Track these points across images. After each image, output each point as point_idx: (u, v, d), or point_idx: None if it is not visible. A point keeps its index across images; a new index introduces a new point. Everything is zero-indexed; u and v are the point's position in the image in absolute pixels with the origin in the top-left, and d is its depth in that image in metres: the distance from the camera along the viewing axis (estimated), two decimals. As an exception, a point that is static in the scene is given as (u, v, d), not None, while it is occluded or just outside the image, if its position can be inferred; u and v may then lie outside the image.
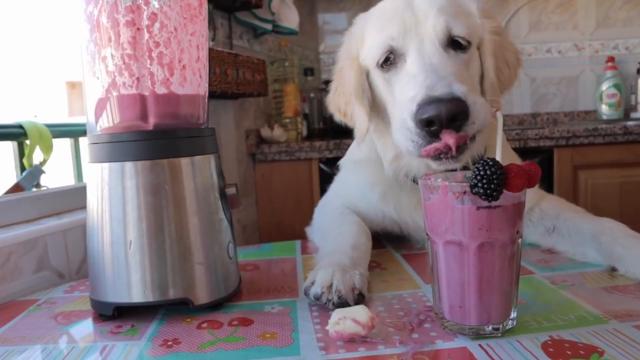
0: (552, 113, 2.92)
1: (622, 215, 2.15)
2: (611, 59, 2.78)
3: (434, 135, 0.77)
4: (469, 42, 0.89)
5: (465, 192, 0.61)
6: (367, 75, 0.97)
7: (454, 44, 0.88)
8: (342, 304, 0.74)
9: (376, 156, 1.04)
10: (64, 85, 2.60)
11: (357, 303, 0.75)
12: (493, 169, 0.58)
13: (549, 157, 2.13)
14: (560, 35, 2.92)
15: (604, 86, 2.76)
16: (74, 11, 0.80)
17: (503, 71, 0.94)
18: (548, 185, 2.14)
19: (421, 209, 0.96)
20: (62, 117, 2.11)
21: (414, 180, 0.98)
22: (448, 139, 0.74)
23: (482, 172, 0.58)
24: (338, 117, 1.06)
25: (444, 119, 0.75)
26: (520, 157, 1.01)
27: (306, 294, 0.79)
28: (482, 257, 0.62)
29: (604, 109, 2.77)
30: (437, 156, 0.80)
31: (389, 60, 0.90)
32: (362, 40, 0.97)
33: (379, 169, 1.03)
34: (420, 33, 0.87)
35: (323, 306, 0.77)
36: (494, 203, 0.61)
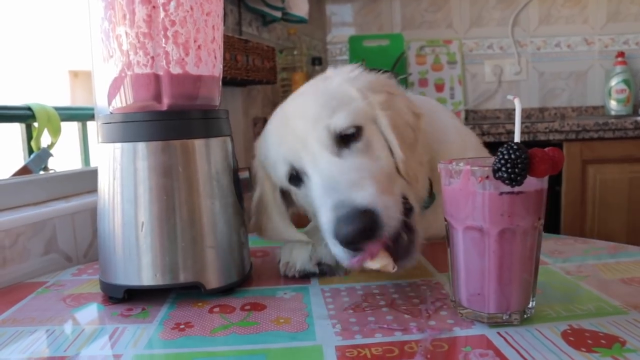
0: (559, 108, 2.91)
1: (630, 211, 2.14)
2: (621, 54, 2.76)
3: (358, 250, 0.73)
4: (358, 127, 0.83)
5: (487, 177, 0.60)
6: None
7: (344, 138, 0.82)
8: (303, 275, 0.86)
9: None
10: (66, 74, 2.58)
11: (322, 272, 0.86)
12: (517, 153, 0.57)
13: (557, 151, 2.12)
14: (569, 29, 2.90)
15: (613, 81, 2.74)
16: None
17: (407, 137, 0.87)
18: (556, 179, 2.13)
19: None
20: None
21: None
22: (369, 250, 0.72)
23: (506, 156, 0.57)
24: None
25: (357, 238, 0.71)
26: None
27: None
28: (503, 243, 0.61)
29: (613, 104, 2.75)
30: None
31: (296, 178, 0.86)
32: (269, 165, 0.91)
33: None
34: (309, 150, 0.82)
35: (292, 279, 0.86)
36: (516, 189, 0.59)
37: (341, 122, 0.82)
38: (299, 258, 0.87)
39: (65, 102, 2.58)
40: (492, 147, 2.21)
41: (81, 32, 1.33)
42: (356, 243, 0.71)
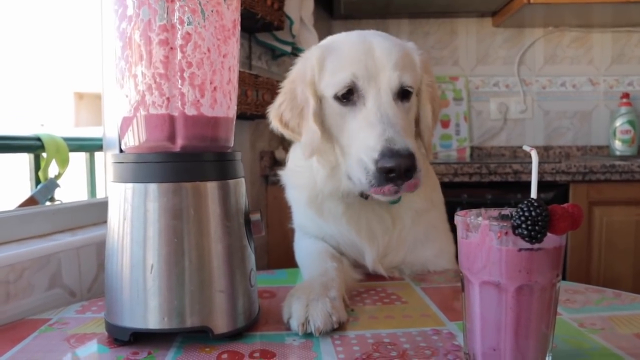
0: (564, 147, 2.91)
1: (637, 255, 2.12)
2: (626, 95, 2.77)
3: (390, 180, 0.92)
4: (411, 92, 1.03)
5: (507, 233, 0.59)
6: (321, 101, 1.07)
7: (402, 94, 1.02)
8: (322, 331, 0.78)
9: (309, 165, 1.13)
10: (72, 95, 2.59)
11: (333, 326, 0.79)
12: (538, 211, 0.56)
13: (564, 192, 2.11)
14: (575, 69, 2.92)
15: (618, 122, 2.75)
16: (106, 27, 0.79)
17: (435, 113, 1.13)
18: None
19: (345, 218, 1.10)
20: (68, 127, 2.12)
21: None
22: (406, 186, 0.93)
23: (526, 213, 0.56)
24: (277, 126, 1.13)
25: (402, 170, 0.91)
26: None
27: (287, 325, 0.81)
28: (521, 299, 0.60)
29: (618, 144, 2.75)
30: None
31: (348, 97, 1.01)
32: (321, 69, 1.05)
33: (309, 173, 1.13)
34: (378, 82, 0.99)
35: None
36: (536, 245, 0.58)
37: (408, 79, 1.01)
38: (317, 314, 0.80)
39: (70, 123, 2.58)
40: (498, 187, 2.18)
41: (87, 54, 1.34)
42: (396, 174, 0.90)
